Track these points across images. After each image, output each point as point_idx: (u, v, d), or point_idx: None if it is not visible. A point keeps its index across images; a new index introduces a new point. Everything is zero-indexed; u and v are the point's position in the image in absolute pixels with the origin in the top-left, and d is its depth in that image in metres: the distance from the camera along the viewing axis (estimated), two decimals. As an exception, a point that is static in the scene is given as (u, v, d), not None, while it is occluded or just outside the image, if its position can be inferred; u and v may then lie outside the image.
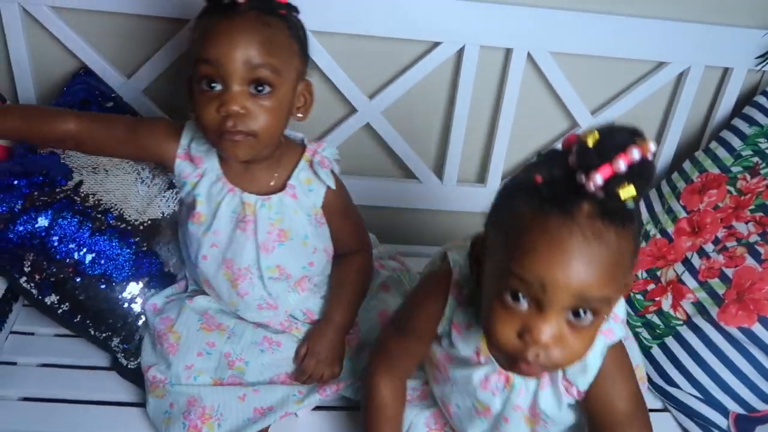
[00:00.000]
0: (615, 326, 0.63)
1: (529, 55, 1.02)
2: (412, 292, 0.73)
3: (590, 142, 0.48)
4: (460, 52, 1.01)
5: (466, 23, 0.98)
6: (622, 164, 0.47)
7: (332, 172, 0.80)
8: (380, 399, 0.72)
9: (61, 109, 0.81)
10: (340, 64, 1.01)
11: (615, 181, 0.47)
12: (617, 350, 0.64)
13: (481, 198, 1.13)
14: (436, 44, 1.00)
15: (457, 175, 1.11)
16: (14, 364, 0.83)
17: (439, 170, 1.12)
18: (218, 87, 0.67)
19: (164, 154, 0.77)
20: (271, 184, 0.77)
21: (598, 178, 0.47)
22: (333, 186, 0.79)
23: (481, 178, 1.14)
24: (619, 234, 0.50)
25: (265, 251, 0.76)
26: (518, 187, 0.54)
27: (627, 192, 0.48)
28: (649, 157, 0.48)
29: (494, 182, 1.12)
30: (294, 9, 0.73)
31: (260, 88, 0.67)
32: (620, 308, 0.65)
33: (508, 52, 1.02)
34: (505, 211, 0.55)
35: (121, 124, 0.77)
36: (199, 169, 0.76)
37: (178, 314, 0.79)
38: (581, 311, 0.51)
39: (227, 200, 0.75)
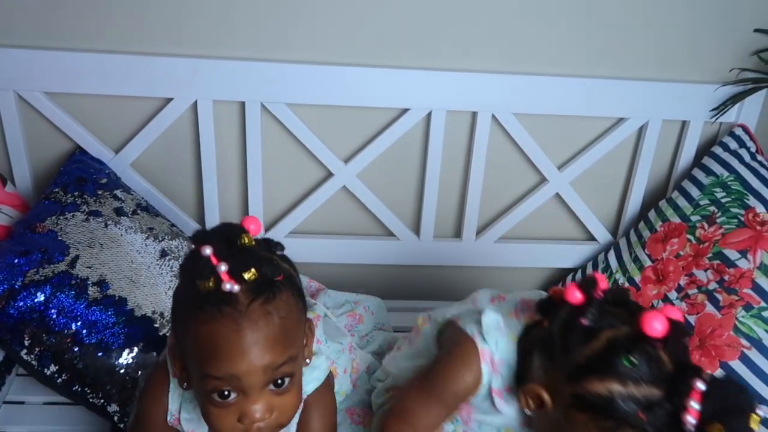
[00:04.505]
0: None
1: (493, 116, 1.18)
2: (443, 361, 0.79)
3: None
4: (428, 117, 1.17)
5: (432, 90, 1.14)
6: None
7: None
8: None
9: None
10: (316, 132, 1.16)
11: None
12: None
13: (458, 251, 1.27)
14: (405, 110, 1.16)
15: (433, 230, 1.25)
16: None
17: (416, 227, 1.26)
18: (233, 396, 0.63)
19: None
20: None
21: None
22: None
23: (457, 232, 1.28)
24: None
25: None
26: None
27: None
28: None
29: (469, 235, 1.26)
30: (284, 257, 0.68)
31: (280, 382, 0.64)
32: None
33: (474, 115, 1.18)
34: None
35: None
36: None
37: None
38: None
39: None
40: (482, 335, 0.75)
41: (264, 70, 1.10)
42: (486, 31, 1.13)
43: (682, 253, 1.10)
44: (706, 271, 1.05)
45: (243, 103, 1.13)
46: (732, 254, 1.02)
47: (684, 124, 1.23)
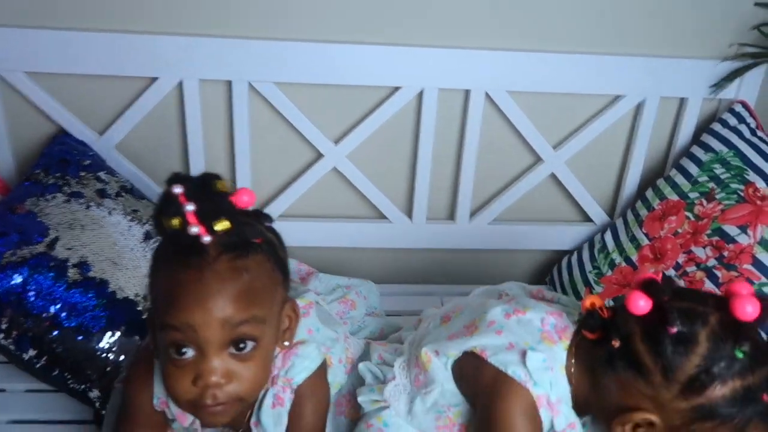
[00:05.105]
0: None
1: (487, 95, 1.15)
2: (497, 419, 0.69)
3: None
4: (420, 95, 1.14)
5: (424, 68, 1.11)
6: None
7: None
8: None
9: None
10: (305, 112, 1.14)
11: None
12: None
13: (452, 234, 1.25)
14: (396, 89, 1.13)
15: (426, 213, 1.23)
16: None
17: (408, 209, 1.24)
18: (190, 353, 0.60)
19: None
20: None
21: None
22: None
23: (451, 214, 1.26)
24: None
25: None
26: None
27: None
28: None
29: (463, 218, 1.23)
30: (270, 228, 0.67)
31: (242, 345, 0.61)
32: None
33: (467, 93, 1.15)
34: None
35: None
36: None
37: None
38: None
39: None
40: (533, 380, 0.68)
41: (251, 49, 1.07)
42: (479, 7, 1.10)
43: (680, 230, 1.07)
44: (704, 247, 1.03)
45: (230, 83, 1.11)
46: (732, 230, 0.99)
47: (682, 101, 1.20)
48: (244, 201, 0.62)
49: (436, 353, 0.75)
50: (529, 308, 0.75)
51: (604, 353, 0.67)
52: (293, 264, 1.04)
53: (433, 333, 0.80)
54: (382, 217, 1.24)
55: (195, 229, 0.57)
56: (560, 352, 0.71)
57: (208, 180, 0.60)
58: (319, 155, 1.18)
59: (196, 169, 1.15)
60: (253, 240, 0.62)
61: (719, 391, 0.61)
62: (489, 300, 0.80)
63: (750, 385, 0.61)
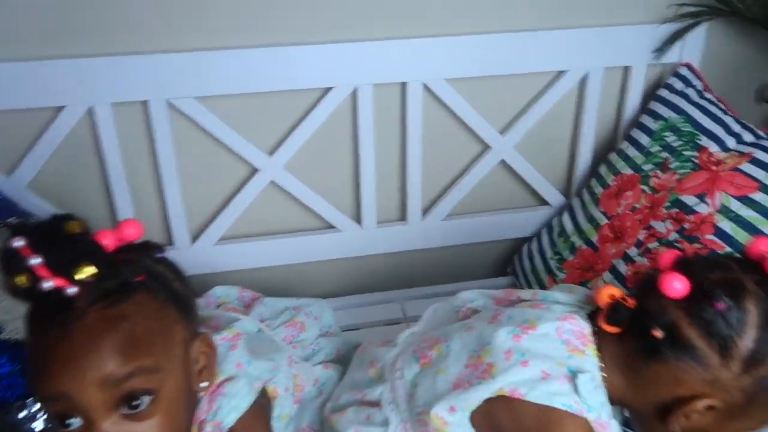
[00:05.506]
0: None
1: (425, 86, 1.08)
2: None
3: None
4: (354, 94, 1.07)
5: (355, 64, 1.04)
6: None
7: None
8: None
9: None
10: (233, 126, 1.06)
11: None
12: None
13: (405, 235, 1.19)
14: (328, 90, 1.06)
15: (376, 216, 1.16)
16: None
17: (356, 215, 1.17)
18: (76, 423, 0.53)
19: None
20: None
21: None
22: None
23: (402, 215, 1.19)
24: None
25: None
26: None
27: None
28: None
29: (415, 217, 1.17)
30: (161, 259, 0.60)
31: (136, 402, 0.53)
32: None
33: (403, 86, 1.08)
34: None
35: None
36: None
37: None
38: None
39: None
40: (587, 405, 0.60)
41: (165, 63, 0.98)
42: (403, -6, 1.03)
43: (638, 205, 1.03)
44: (664, 221, 0.99)
45: (146, 103, 1.02)
46: (690, 200, 0.95)
47: (626, 70, 1.15)
48: (130, 234, 0.56)
49: (452, 410, 0.63)
50: (535, 320, 0.66)
51: (640, 346, 0.61)
52: (235, 291, 0.97)
53: (423, 384, 0.68)
54: (330, 226, 1.17)
55: (50, 283, 0.50)
56: (592, 360, 0.63)
57: (57, 224, 0.52)
58: (254, 170, 1.10)
59: (122, 201, 1.07)
60: (133, 279, 0.55)
61: None
62: (480, 324, 0.70)
63: None
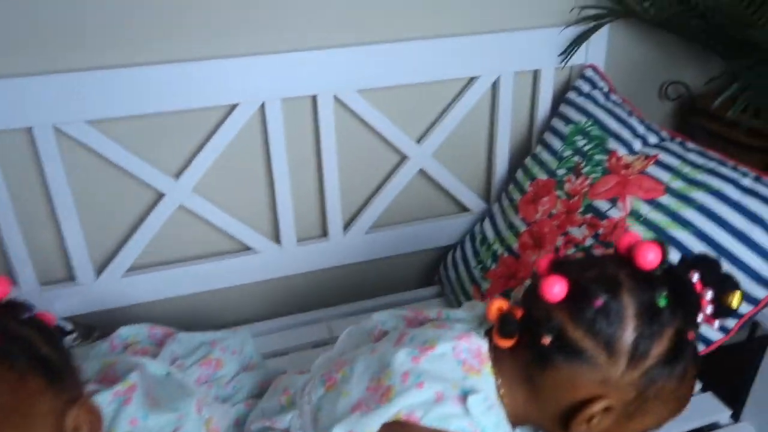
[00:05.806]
0: None
1: (336, 98, 1.05)
2: None
3: None
4: (262, 109, 1.02)
5: (261, 78, 0.99)
6: None
7: None
8: None
9: None
10: (132, 150, 0.98)
11: None
12: None
13: (327, 252, 1.15)
14: (233, 107, 1.01)
15: (295, 235, 1.12)
16: None
17: (274, 235, 1.13)
18: None
19: None
20: None
21: None
22: None
23: (323, 231, 1.16)
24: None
25: None
26: None
27: None
28: None
29: (336, 232, 1.14)
30: (29, 320, 0.54)
31: None
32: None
33: (314, 99, 1.04)
34: None
35: None
36: None
37: None
38: None
39: None
40: (480, 427, 0.59)
41: (51, 84, 0.90)
42: (309, 6, 0.99)
43: (554, 211, 1.04)
44: (580, 227, 1.00)
45: (30, 129, 0.93)
46: (602, 205, 0.97)
47: (536, 74, 1.16)
48: None
49: None
50: (435, 340, 0.65)
51: (533, 356, 0.61)
52: (144, 330, 0.90)
53: (326, 408, 0.66)
54: (247, 248, 1.11)
55: None
56: (488, 378, 0.63)
57: None
58: (160, 195, 1.03)
59: (12, 243, 0.97)
60: None
61: (660, 346, 0.58)
62: (385, 347, 0.68)
63: (679, 328, 0.58)
